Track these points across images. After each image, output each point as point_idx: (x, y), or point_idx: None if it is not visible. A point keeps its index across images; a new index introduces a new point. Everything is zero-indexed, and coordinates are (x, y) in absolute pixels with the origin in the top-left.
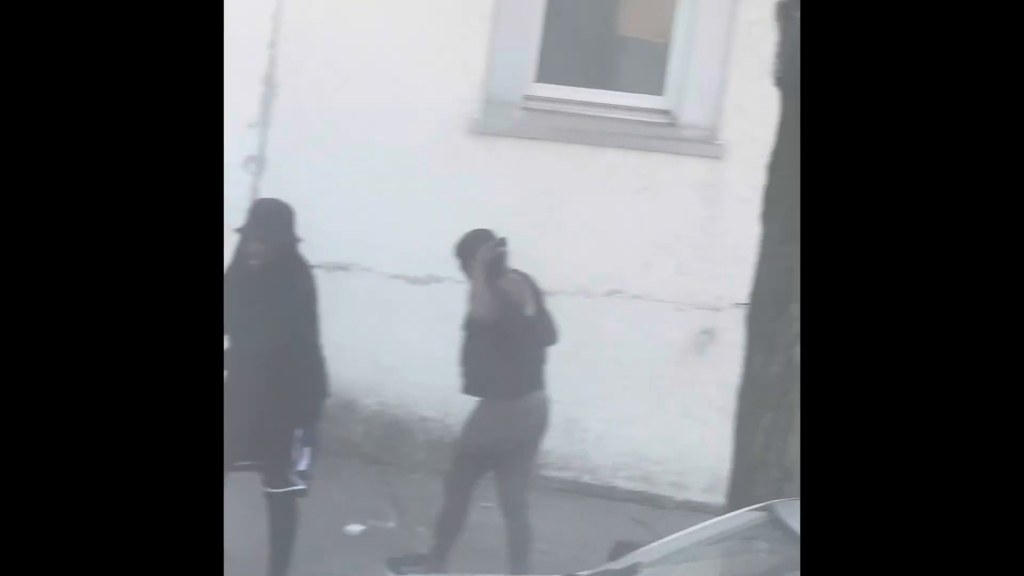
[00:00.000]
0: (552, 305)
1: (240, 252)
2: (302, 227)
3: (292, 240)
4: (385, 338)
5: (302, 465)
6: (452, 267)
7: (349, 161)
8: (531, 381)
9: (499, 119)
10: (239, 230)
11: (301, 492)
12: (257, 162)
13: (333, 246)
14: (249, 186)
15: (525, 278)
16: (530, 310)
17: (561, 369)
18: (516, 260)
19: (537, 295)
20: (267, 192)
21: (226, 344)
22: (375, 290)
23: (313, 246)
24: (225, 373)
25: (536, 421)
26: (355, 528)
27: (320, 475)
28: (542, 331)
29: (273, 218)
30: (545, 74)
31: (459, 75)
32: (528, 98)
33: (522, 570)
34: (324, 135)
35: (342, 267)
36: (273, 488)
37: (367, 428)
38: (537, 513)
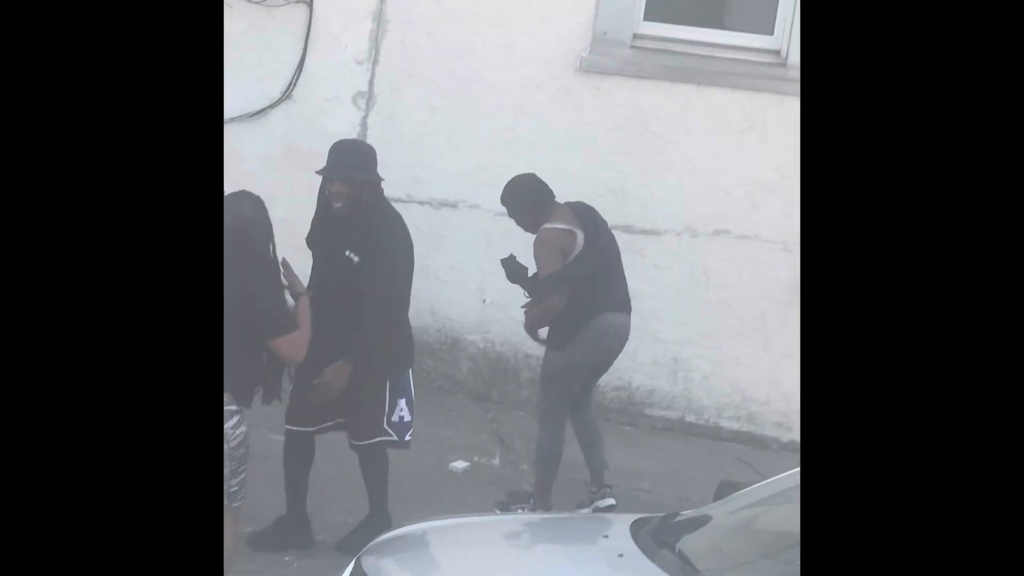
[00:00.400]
0: (659, 244)
1: (323, 194)
2: (410, 164)
3: (375, 180)
4: (491, 275)
5: (396, 416)
6: None
7: (457, 98)
8: (603, 304)
9: (608, 58)
10: (321, 172)
11: (396, 443)
12: (366, 98)
13: (440, 183)
14: (358, 122)
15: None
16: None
17: (666, 309)
18: (622, 199)
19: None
20: (375, 129)
21: (309, 292)
22: (481, 227)
23: (420, 183)
24: (309, 325)
25: (609, 341)
26: (460, 464)
27: (426, 412)
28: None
29: (355, 158)
30: (654, 12)
31: (568, 13)
32: (637, 37)
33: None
34: (433, 72)
35: (449, 204)
36: (363, 440)
37: (472, 365)
38: (642, 453)
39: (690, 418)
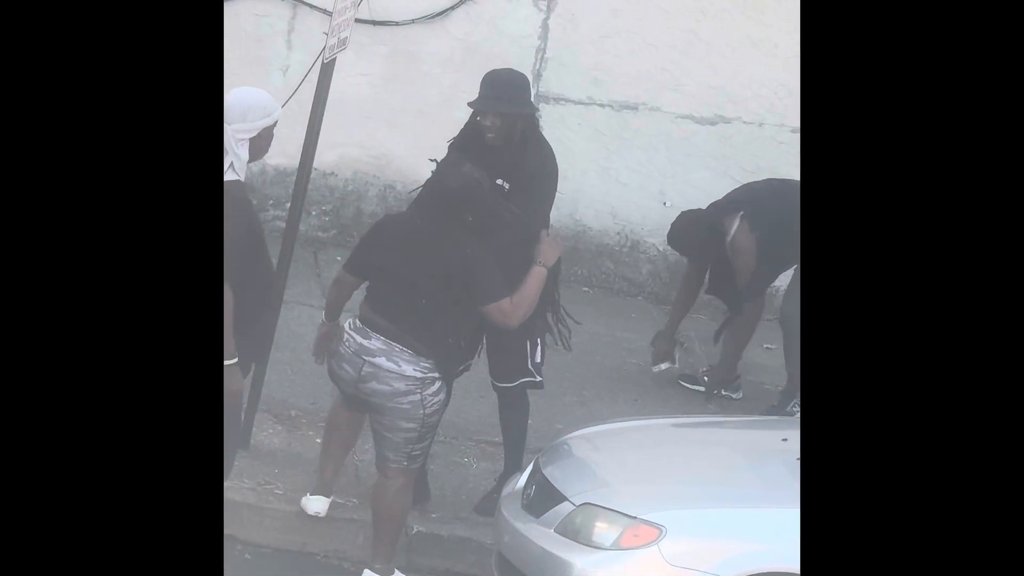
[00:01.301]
0: None
1: (473, 122)
2: (591, 67)
3: (528, 112)
4: (672, 178)
5: (537, 357)
6: (741, 108)
7: (637, 0)
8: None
9: None
10: (472, 104)
11: (536, 384)
12: (548, 0)
13: (621, 85)
14: (539, 23)
15: None
16: None
17: None
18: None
19: None
20: (556, 31)
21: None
22: (662, 130)
23: (601, 85)
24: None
25: None
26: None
27: (605, 314)
28: None
29: (507, 91)
30: None
31: None
32: None
33: None
34: None
35: (630, 107)
36: (508, 383)
37: (652, 267)
38: None
39: None
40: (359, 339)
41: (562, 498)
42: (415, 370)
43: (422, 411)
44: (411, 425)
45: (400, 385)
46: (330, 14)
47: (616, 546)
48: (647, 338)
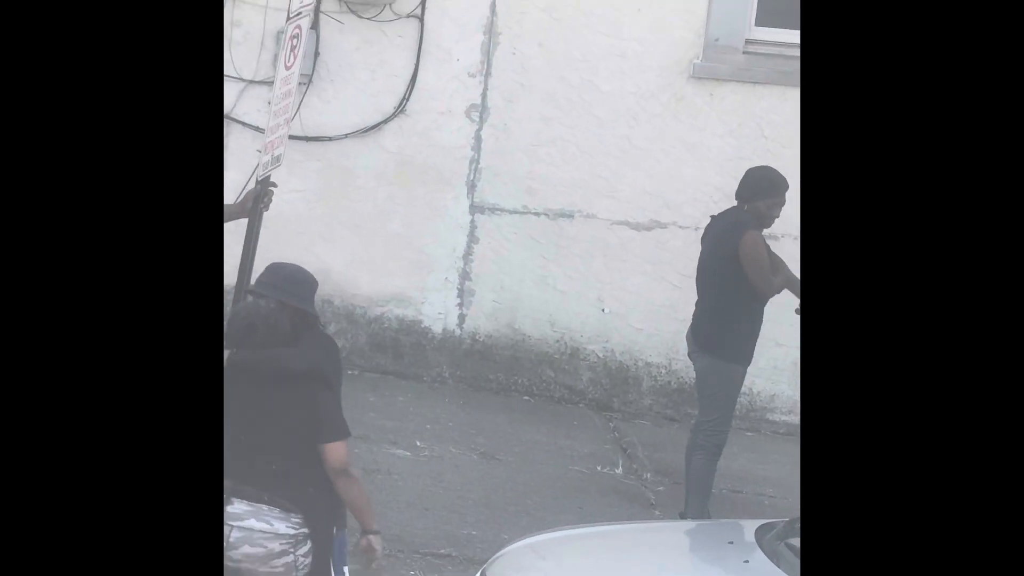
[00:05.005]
0: (777, 248)
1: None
2: (525, 176)
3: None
4: (609, 284)
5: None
6: (676, 213)
7: (571, 108)
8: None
9: (720, 64)
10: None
11: None
12: (480, 110)
13: (556, 193)
14: (472, 135)
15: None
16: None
17: (786, 313)
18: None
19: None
20: (489, 141)
21: None
22: (599, 236)
23: (535, 194)
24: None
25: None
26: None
27: (546, 423)
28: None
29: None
30: (765, 17)
31: (680, 20)
32: (749, 42)
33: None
34: (545, 82)
35: (565, 214)
36: None
37: (593, 375)
38: (765, 458)
39: None
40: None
41: None
42: (287, 527)
43: (295, 574)
44: None
45: (274, 546)
46: (263, 131)
47: None
48: (588, 446)
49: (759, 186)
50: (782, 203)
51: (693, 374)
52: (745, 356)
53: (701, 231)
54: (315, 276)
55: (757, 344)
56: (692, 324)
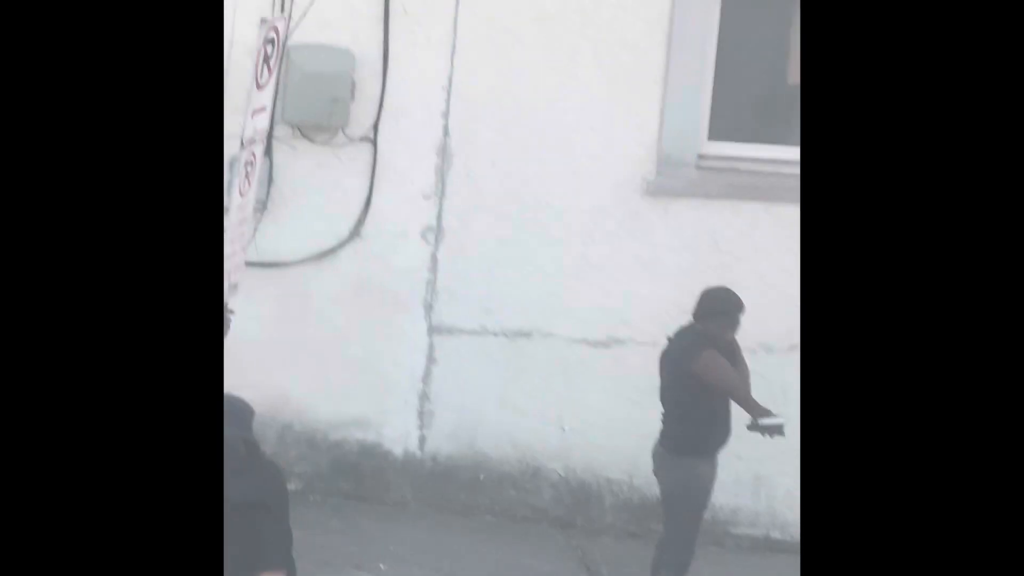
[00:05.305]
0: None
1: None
2: (482, 296)
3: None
4: (569, 402)
5: None
6: (633, 329)
7: (525, 227)
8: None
9: (674, 179)
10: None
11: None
12: (435, 232)
13: (513, 313)
14: (428, 256)
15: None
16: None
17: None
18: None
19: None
20: (445, 263)
21: None
22: (557, 355)
23: (493, 314)
24: None
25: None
26: None
27: (509, 542)
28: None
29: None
30: (717, 132)
31: (633, 137)
32: (702, 157)
33: None
34: (500, 202)
35: (523, 334)
36: None
37: (555, 493)
38: (726, 570)
39: (775, 535)
40: None
41: None
42: None
43: None
44: None
45: None
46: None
47: None
48: (552, 564)
49: (712, 308)
50: (735, 324)
51: (655, 489)
52: (711, 451)
53: (658, 347)
54: (274, 401)
55: (720, 458)
56: (659, 437)
